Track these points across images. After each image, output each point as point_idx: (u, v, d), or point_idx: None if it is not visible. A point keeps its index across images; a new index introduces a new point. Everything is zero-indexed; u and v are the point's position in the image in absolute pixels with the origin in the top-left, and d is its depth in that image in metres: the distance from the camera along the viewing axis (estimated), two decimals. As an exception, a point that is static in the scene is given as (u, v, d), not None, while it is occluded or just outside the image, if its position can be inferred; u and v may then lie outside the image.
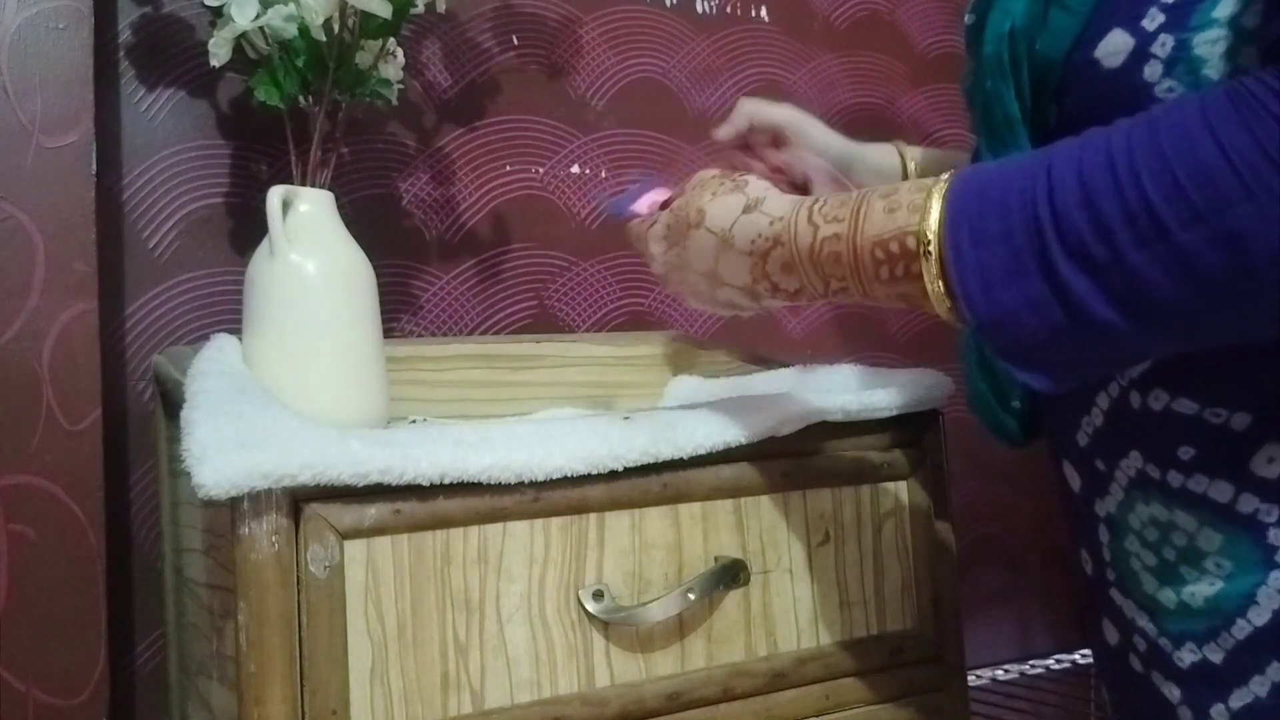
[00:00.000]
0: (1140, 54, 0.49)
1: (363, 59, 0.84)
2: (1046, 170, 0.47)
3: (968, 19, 0.60)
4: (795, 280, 0.58)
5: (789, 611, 0.71)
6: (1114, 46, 0.50)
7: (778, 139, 0.84)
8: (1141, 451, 0.54)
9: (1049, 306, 0.46)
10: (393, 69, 0.88)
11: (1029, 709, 1.12)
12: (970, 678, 0.84)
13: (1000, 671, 1.26)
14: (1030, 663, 1.29)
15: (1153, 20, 0.49)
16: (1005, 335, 0.48)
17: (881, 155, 0.84)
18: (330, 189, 0.79)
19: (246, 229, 0.96)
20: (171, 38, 0.95)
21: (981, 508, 1.34)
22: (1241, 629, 0.51)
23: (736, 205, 0.61)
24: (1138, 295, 0.44)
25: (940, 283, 0.50)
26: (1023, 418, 0.65)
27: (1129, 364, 0.54)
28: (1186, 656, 0.53)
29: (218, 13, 0.79)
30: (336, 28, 0.79)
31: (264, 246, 0.75)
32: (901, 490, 0.77)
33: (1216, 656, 0.52)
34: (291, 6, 0.78)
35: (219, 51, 0.80)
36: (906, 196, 0.52)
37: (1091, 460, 0.58)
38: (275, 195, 0.74)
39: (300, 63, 0.80)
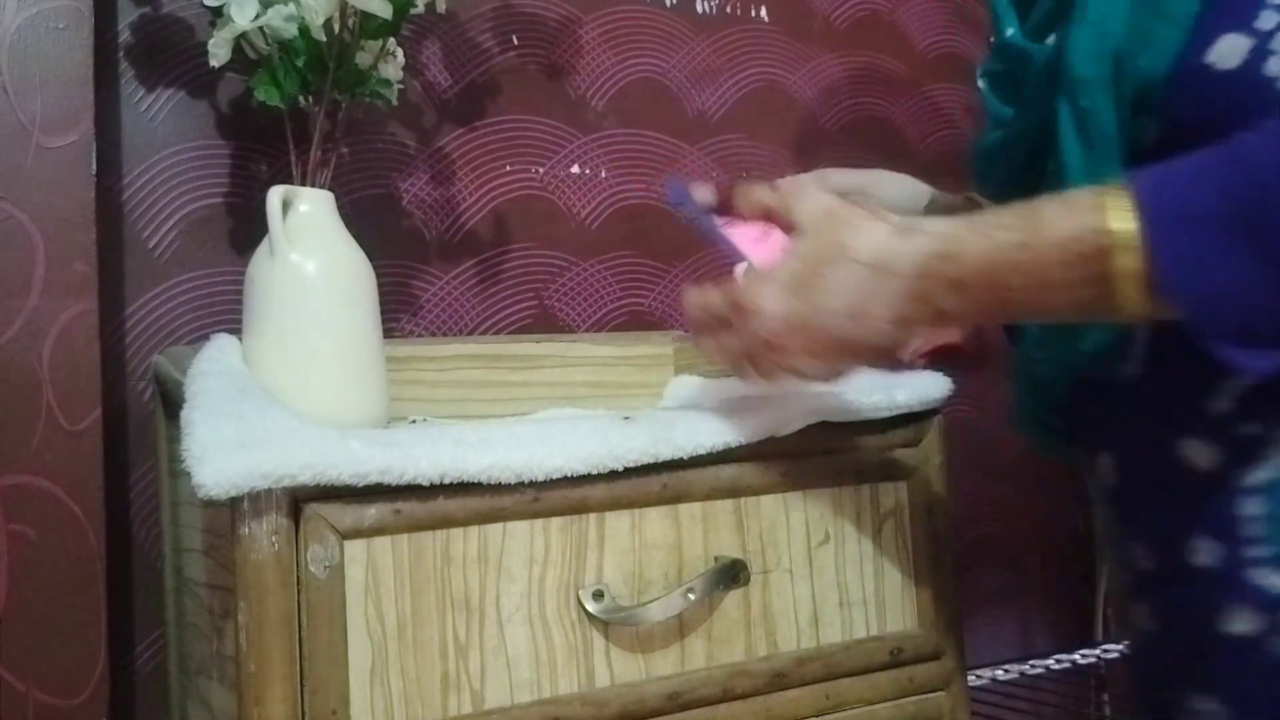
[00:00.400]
0: (1260, 52, 0.51)
1: (363, 59, 0.84)
2: (1232, 161, 0.49)
3: (1034, 46, 0.60)
4: (962, 301, 0.55)
5: (789, 611, 0.71)
6: (1227, 50, 0.52)
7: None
8: None
9: (1274, 282, 0.48)
10: (393, 69, 0.88)
11: (1029, 709, 1.12)
12: (970, 678, 0.84)
13: (1000, 671, 1.26)
14: (1030, 663, 1.29)
15: (1268, 20, 0.51)
16: (1227, 316, 0.49)
17: (954, 204, 0.81)
18: (330, 189, 0.79)
19: (246, 229, 0.96)
20: (171, 38, 0.95)
21: (981, 508, 1.34)
22: None
23: (884, 231, 0.58)
24: None
25: (1142, 276, 0.50)
26: (1061, 430, 0.66)
27: None
28: None
29: (217, 13, 0.79)
30: (336, 28, 0.79)
31: (264, 246, 0.75)
32: (901, 490, 0.77)
33: None
34: (291, 6, 0.78)
35: (219, 51, 0.80)
36: (1083, 198, 0.52)
37: (1236, 426, 0.55)
38: (275, 195, 0.74)
39: (300, 63, 0.80)
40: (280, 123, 0.83)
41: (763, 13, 1.24)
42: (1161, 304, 0.51)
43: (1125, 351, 0.60)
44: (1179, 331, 0.52)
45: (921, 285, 0.56)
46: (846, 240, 0.58)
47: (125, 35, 0.93)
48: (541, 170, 1.10)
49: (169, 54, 0.94)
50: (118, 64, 0.93)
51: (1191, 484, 0.57)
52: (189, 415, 0.60)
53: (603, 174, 1.13)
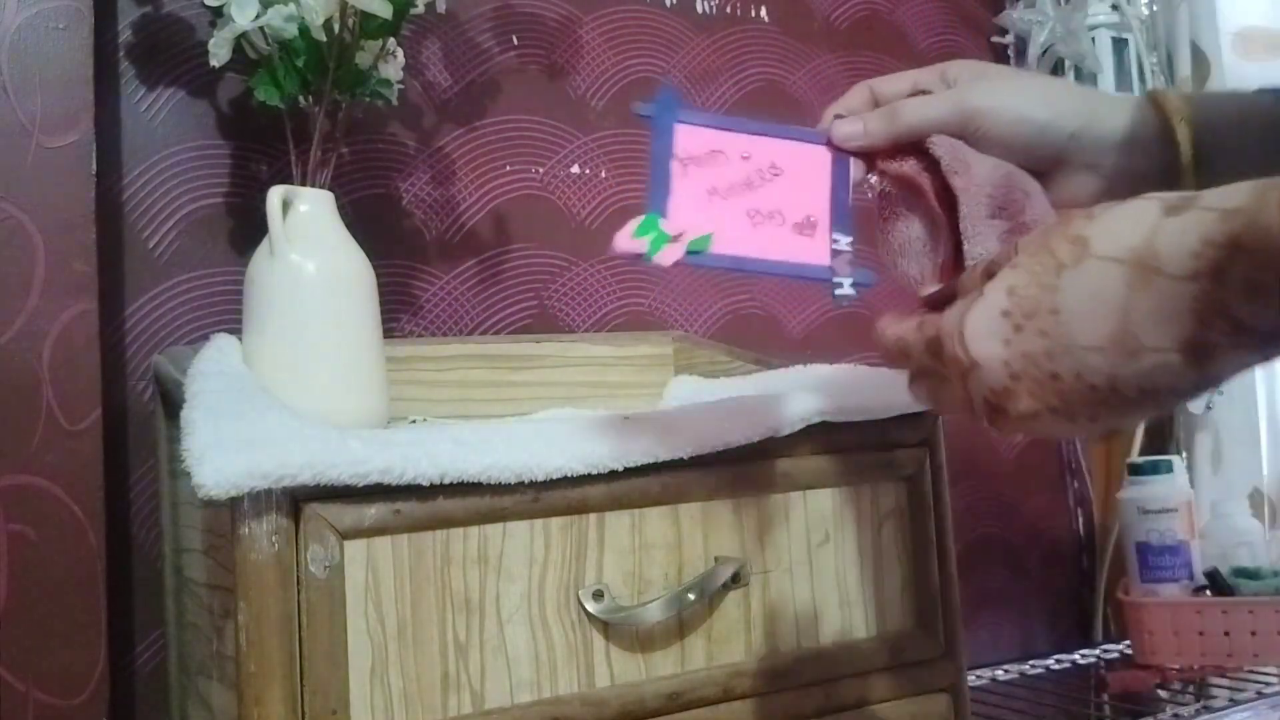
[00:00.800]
0: None
1: (363, 59, 0.84)
2: None
3: None
4: (1273, 306, 0.36)
5: (789, 612, 0.71)
6: None
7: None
8: None
9: None
10: (393, 69, 0.88)
11: (1029, 709, 1.12)
12: (970, 678, 0.84)
13: (1000, 671, 1.25)
14: (1030, 663, 1.29)
15: None
16: None
17: (1120, 119, 0.57)
18: (330, 189, 0.79)
19: (246, 229, 0.96)
20: (171, 38, 0.95)
21: (981, 508, 1.34)
22: None
23: (1146, 210, 0.40)
24: None
25: None
26: None
27: None
28: None
29: (218, 13, 0.79)
30: (337, 28, 0.79)
31: (264, 246, 0.75)
32: (901, 490, 0.77)
33: None
34: (291, 6, 0.78)
35: (219, 51, 0.80)
36: None
37: None
38: (275, 195, 0.74)
39: (300, 63, 0.80)
40: (280, 123, 0.83)
41: (763, 13, 1.24)
42: None
43: None
44: None
45: (1205, 289, 0.37)
46: (1083, 230, 0.40)
47: (125, 35, 0.93)
48: (541, 170, 1.10)
49: (169, 54, 0.94)
50: (118, 64, 0.93)
51: None
52: (189, 415, 0.60)
53: (603, 174, 1.13)
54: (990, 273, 0.44)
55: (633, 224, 0.57)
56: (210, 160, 0.96)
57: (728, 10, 1.22)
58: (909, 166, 0.58)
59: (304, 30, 0.78)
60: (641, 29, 1.17)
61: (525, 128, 1.10)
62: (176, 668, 0.84)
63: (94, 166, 0.82)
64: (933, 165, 0.57)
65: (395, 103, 0.90)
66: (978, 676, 1.23)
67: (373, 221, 1.01)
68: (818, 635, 0.72)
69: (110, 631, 0.80)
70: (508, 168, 1.09)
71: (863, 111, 0.60)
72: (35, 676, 0.77)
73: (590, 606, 0.64)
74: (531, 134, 1.10)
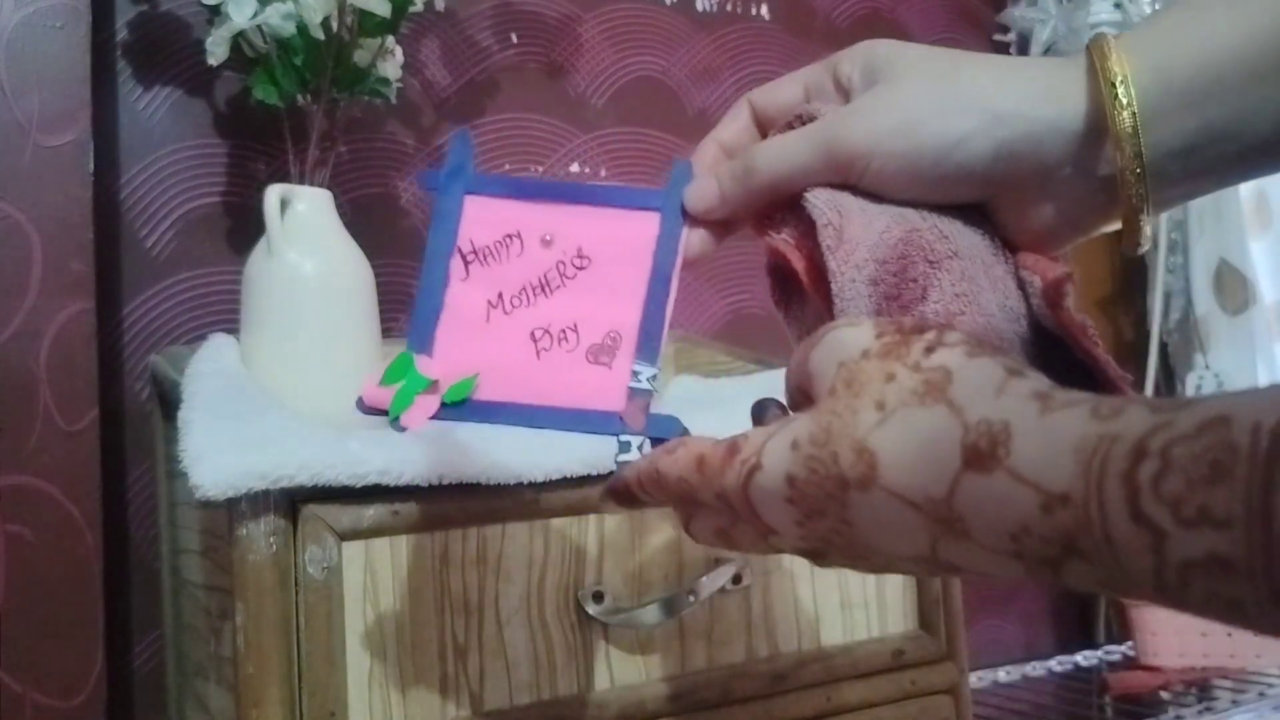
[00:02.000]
0: None
1: (361, 57, 0.84)
2: None
3: None
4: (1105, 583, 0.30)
5: (789, 613, 0.71)
6: None
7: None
8: None
9: None
10: (391, 67, 0.88)
11: (1030, 711, 1.12)
12: (972, 679, 0.84)
13: (1002, 673, 1.25)
14: (1032, 664, 1.28)
15: None
16: None
17: (1061, 108, 0.40)
18: (329, 188, 0.79)
19: (244, 228, 0.96)
20: (169, 36, 0.94)
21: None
22: None
23: (944, 446, 0.31)
24: None
25: None
26: None
27: None
28: None
29: (215, 11, 0.79)
30: (335, 26, 0.79)
31: (262, 245, 0.75)
32: (903, 491, 0.76)
33: None
34: (290, 4, 0.77)
35: (216, 50, 0.80)
36: None
37: None
38: (273, 194, 0.74)
39: (298, 61, 0.80)
40: (278, 122, 0.83)
41: (763, 11, 1.24)
42: None
43: None
44: None
45: (1033, 568, 0.31)
46: (869, 441, 0.33)
47: (122, 34, 0.93)
48: (541, 169, 1.10)
49: (166, 52, 0.94)
50: (115, 62, 0.92)
51: None
52: (186, 415, 0.60)
53: (603, 173, 1.13)
54: (796, 403, 0.38)
55: (384, 365, 0.44)
56: (208, 159, 0.95)
57: (728, 8, 1.22)
58: (783, 236, 0.43)
59: (302, 28, 0.78)
60: (641, 27, 1.17)
61: (524, 126, 1.09)
62: (174, 669, 0.84)
63: (91, 165, 0.81)
64: (812, 229, 0.41)
65: (394, 101, 0.90)
66: (979, 678, 1.22)
67: (371, 220, 1.01)
68: (818, 637, 0.72)
69: (108, 632, 0.80)
70: (507, 167, 1.08)
71: (721, 161, 0.46)
72: (33, 677, 0.77)
73: (590, 608, 0.64)
74: (531, 133, 1.10)
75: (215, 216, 0.95)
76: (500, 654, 0.62)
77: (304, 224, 0.75)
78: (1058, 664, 1.29)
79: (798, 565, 0.72)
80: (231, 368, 0.72)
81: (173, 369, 0.77)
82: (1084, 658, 1.31)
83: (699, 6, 1.20)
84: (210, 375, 0.69)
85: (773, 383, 0.87)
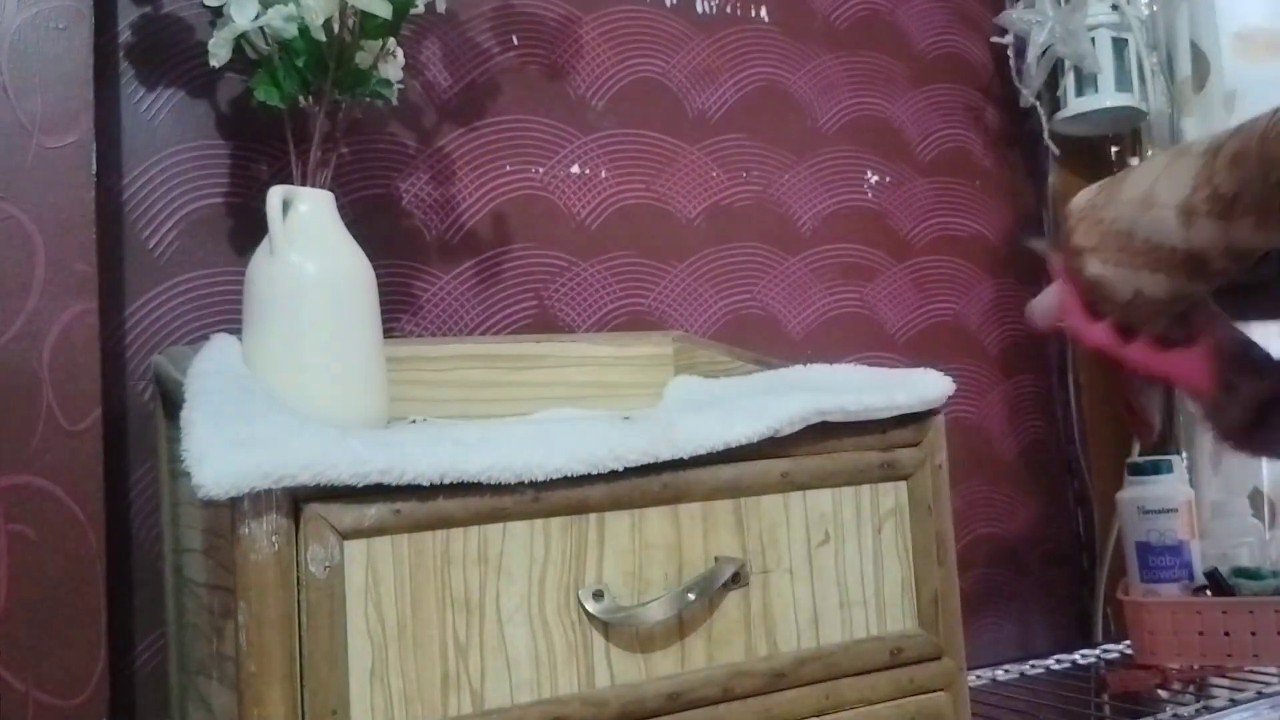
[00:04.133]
0: None
1: (363, 59, 0.84)
2: None
3: None
4: (1237, 177, 0.49)
5: (789, 612, 0.71)
6: None
7: None
8: None
9: None
10: (393, 69, 0.88)
11: (1029, 709, 1.12)
12: (970, 678, 0.84)
13: (1000, 672, 1.26)
14: (1030, 663, 1.29)
15: None
16: None
17: None
18: (330, 189, 0.79)
19: (246, 229, 0.96)
20: (171, 38, 0.95)
21: (981, 508, 1.34)
22: None
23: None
24: None
25: None
26: None
27: None
28: None
29: (217, 13, 0.80)
30: (336, 28, 0.79)
31: (264, 246, 0.75)
32: (901, 490, 0.77)
33: None
34: (291, 6, 0.78)
35: (219, 52, 0.80)
36: None
37: None
38: (275, 195, 0.74)
39: (300, 63, 0.80)
40: (280, 123, 0.83)
41: (763, 13, 1.24)
42: None
43: None
44: None
45: (1208, 162, 0.51)
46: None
47: (125, 35, 0.93)
48: (541, 170, 1.10)
49: (169, 54, 0.94)
50: (117, 64, 0.93)
51: None
52: (188, 415, 0.60)
53: (603, 174, 1.13)
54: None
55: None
56: (210, 160, 0.96)
57: (728, 10, 1.22)
58: None
59: (304, 30, 0.78)
60: (641, 29, 1.17)
61: (525, 128, 1.10)
62: (176, 668, 0.84)
63: (94, 166, 0.82)
64: None
65: (395, 102, 0.90)
66: (977, 676, 1.23)
67: (372, 221, 1.01)
68: (817, 635, 0.72)
69: (110, 632, 0.80)
70: (507, 168, 1.09)
71: None
72: (35, 676, 0.77)
73: (590, 606, 0.64)
74: (531, 134, 1.10)
75: (217, 217, 0.95)
76: (501, 652, 0.62)
77: (306, 225, 0.76)
78: (1056, 663, 1.30)
79: (797, 565, 0.72)
80: (234, 368, 0.73)
81: (175, 369, 0.78)
82: (1082, 656, 1.31)
83: (699, 8, 1.21)
84: (213, 375, 0.69)
85: (773, 383, 0.88)
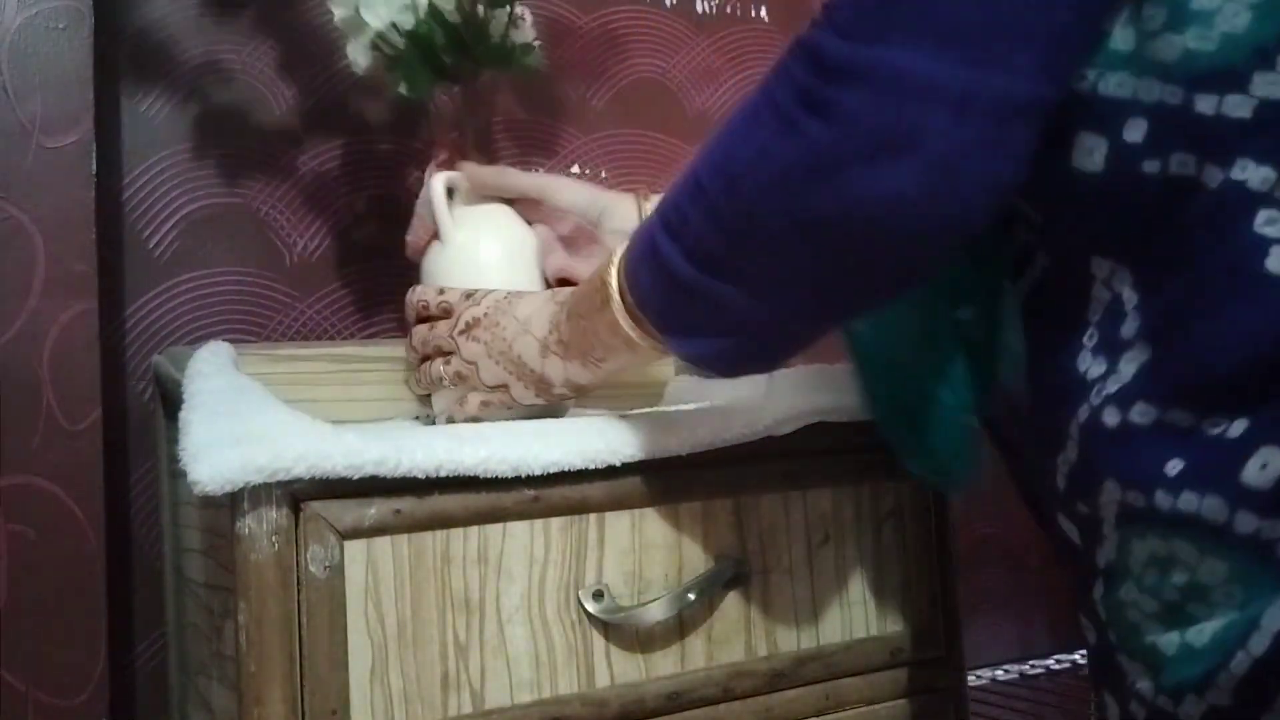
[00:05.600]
0: None
1: (495, 30, 0.83)
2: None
3: None
4: (569, 327, 0.66)
5: (789, 611, 0.71)
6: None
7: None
8: (1117, 479, 0.48)
9: (660, 272, 0.56)
10: (524, 34, 0.87)
11: (1029, 709, 1.12)
12: (970, 678, 0.84)
13: (1000, 671, 1.26)
14: (1030, 663, 1.29)
15: None
16: (650, 310, 0.59)
17: (624, 209, 0.84)
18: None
19: (246, 229, 0.96)
20: (172, 38, 0.95)
21: (981, 508, 1.34)
22: (1240, 663, 0.44)
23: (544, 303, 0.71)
24: (699, 245, 0.54)
25: (617, 287, 0.60)
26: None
27: (742, 334, 0.57)
28: (1191, 710, 0.46)
29: (351, 20, 0.79)
30: (468, 5, 0.79)
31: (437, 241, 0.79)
32: (901, 490, 0.77)
33: (1224, 699, 0.45)
34: None
35: (359, 59, 0.82)
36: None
37: (1075, 505, 0.52)
38: (439, 183, 0.79)
39: (440, 46, 0.80)
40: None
41: (763, 13, 1.24)
42: (640, 321, 0.60)
43: (1013, 425, 0.62)
44: (1036, 400, 0.55)
45: (557, 311, 0.68)
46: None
47: (125, 35, 0.93)
48: (541, 170, 1.10)
49: (169, 54, 0.94)
50: (118, 64, 0.93)
51: (1077, 562, 0.54)
52: (186, 416, 0.60)
53: (603, 174, 1.13)
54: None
55: None
56: (210, 160, 0.96)
57: (728, 10, 1.22)
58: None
59: (436, 14, 0.78)
60: (641, 29, 1.17)
61: (525, 128, 1.10)
62: (176, 668, 0.84)
63: (94, 167, 0.82)
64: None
65: (542, 69, 0.91)
66: (977, 677, 1.23)
67: (379, 220, 1.01)
68: (817, 635, 0.72)
69: (110, 631, 0.80)
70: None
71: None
72: (35, 676, 0.77)
73: (590, 606, 0.64)
74: (531, 134, 1.10)
75: (217, 218, 0.95)
76: (501, 652, 0.62)
77: (470, 206, 0.80)
78: (1056, 663, 1.30)
79: (797, 565, 0.72)
80: (229, 369, 0.73)
81: (175, 369, 0.78)
82: (1082, 656, 1.31)
83: (699, 9, 1.21)
84: (210, 375, 0.69)
85: (773, 382, 0.87)
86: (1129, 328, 0.49)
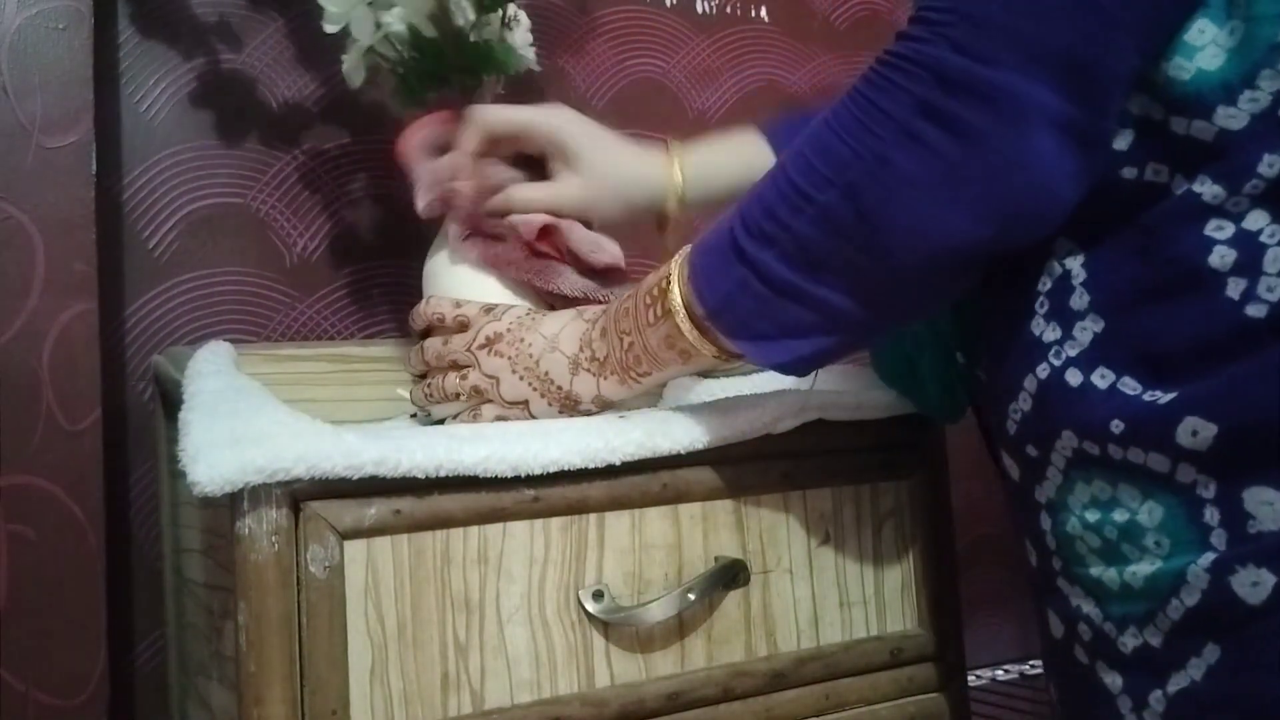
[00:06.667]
0: None
1: (491, 33, 0.83)
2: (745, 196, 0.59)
3: None
4: (605, 344, 0.66)
5: (789, 612, 0.71)
6: None
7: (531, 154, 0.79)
8: (1074, 429, 0.54)
9: (749, 281, 0.58)
10: (520, 35, 0.87)
11: (1029, 709, 1.12)
12: (970, 678, 0.84)
13: (1000, 671, 1.26)
14: (1030, 663, 1.29)
15: None
16: (727, 318, 0.60)
17: (654, 170, 0.80)
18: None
19: (246, 229, 0.96)
20: (171, 38, 0.95)
21: (981, 508, 1.34)
22: (1175, 609, 0.51)
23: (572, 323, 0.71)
24: (802, 251, 0.56)
25: (685, 303, 0.61)
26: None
27: (843, 333, 0.59)
28: (1129, 641, 0.53)
29: (344, 34, 0.79)
30: (457, 18, 0.79)
31: (440, 241, 0.78)
32: (901, 490, 0.77)
33: (1156, 640, 0.52)
34: (397, 9, 0.77)
35: (354, 74, 0.81)
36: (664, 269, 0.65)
37: (1023, 448, 0.58)
38: None
39: (429, 58, 0.79)
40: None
41: (763, 13, 1.24)
42: (708, 329, 0.61)
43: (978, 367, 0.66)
44: (991, 357, 0.61)
45: (588, 329, 0.69)
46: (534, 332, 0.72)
47: (125, 35, 0.93)
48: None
49: (169, 54, 0.95)
50: (118, 64, 0.93)
51: (1015, 495, 0.62)
52: (186, 416, 0.60)
53: (603, 174, 1.13)
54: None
55: None
56: (210, 160, 0.96)
57: (728, 10, 1.22)
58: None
59: (413, 29, 0.78)
60: (641, 29, 1.17)
61: (525, 128, 1.10)
62: (176, 668, 0.84)
63: (94, 167, 0.82)
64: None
65: (538, 68, 0.91)
66: (977, 676, 1.23)
67: (374, 221, 1.01)
68: (817, 635, 0.72)
69: (110, 632, 0.80)
70: (508, 168, 1.08)
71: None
72: (35, 677, 0.77)
73: (590, 606, 0.64)
74: (531, 134, 1.10)
75: (218, 217, 0.95)
76: (501, 652, 0.62)
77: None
78: (1056, 663, 1.29)
79: (797, 565, 0.72)
80: (229, 369, 0.73)
81: (175, 369, 0.78)
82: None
83: (699, 9, 1.21)
84: (210, 376, 0.69)
85: (772, 383, 0.88)
86: (1077, 300, 0.55)
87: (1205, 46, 0.51)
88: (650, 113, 1.16)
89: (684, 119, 1.18)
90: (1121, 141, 0.54)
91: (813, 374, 0.70)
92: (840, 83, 1.28)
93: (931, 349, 0.71)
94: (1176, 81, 0.52)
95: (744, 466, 0.70)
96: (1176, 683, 0.51)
